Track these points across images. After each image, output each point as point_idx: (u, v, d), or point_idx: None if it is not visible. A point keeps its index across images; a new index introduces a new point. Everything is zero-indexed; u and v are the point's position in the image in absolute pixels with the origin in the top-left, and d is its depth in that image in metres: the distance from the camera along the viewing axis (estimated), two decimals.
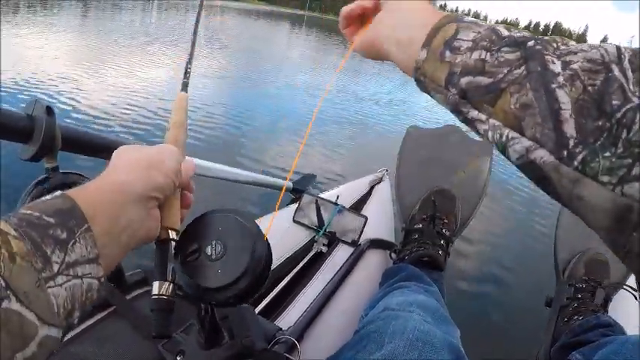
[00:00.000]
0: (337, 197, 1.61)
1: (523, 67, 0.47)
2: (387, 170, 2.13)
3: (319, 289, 1.26)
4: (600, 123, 0.41)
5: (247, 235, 0.61)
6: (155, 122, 4.00)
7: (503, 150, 0.48)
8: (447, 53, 0.53)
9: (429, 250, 1.45)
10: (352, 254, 1.48)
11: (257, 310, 1.17)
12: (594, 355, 1.14)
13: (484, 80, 0.49)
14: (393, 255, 1.59)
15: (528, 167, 0.46)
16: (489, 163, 1.76)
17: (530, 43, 0.48)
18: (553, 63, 0.45)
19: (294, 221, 1.59)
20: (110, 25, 7.71)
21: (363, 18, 0.71)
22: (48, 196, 0.46)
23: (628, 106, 0.40)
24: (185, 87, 0.79)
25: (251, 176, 2.04)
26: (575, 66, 0.44)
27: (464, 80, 0.51)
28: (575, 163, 0.41)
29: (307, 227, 1.57)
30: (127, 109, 4.24)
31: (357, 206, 1.87)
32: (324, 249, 1.51)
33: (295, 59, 10.29)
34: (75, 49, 5.71)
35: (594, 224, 0.41)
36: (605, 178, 0.39)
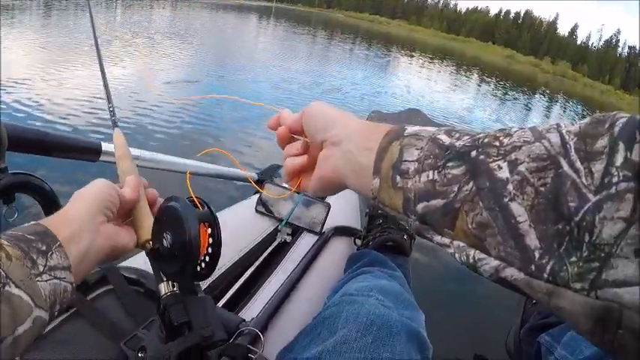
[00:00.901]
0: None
1: (471, 183, 0.46)
2: None
3: (283, 279, 1.24)
4: (560, 227, 0.40)
5: (180, 216, 0.68)
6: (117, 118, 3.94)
7: (475, 270, 0.47)
8: (398, 178, 0.53)
9: (393, 234, 1.45)
10: (316, 242, 1.47)
11: (220, 303, 1.15)
12: (563, 336, 1.15)
13: (438, 202, 0.48)
14: (358, 241, 1.58)
15: (503, 284, 0.45)
16: None
17: (473, 154, 0.47)
18: (500, 169, 0.44)
19: (257, 211, 1.56)
20: (72, 25, 7.56)
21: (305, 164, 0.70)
22: (25, 225, 0.59)
23: (585, 208, 0.38)
24: (115, 124, 0.99)
25: (215, 169, 2.01)
26: (522, 168, 0.43)
27: (420, 206, 0.50)
28: (545, 275, 0.40)
29: (270, 217, 1.55)
30: (87, 107, 4.16)
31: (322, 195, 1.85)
32: (288, 238, 1.49)
33: (262, 51, 10.22)
34: (36, 50, 5.59)
35: (578, 329, 0.40)
36: (578, 285, 0.38)
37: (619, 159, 0.38)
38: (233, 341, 0.90)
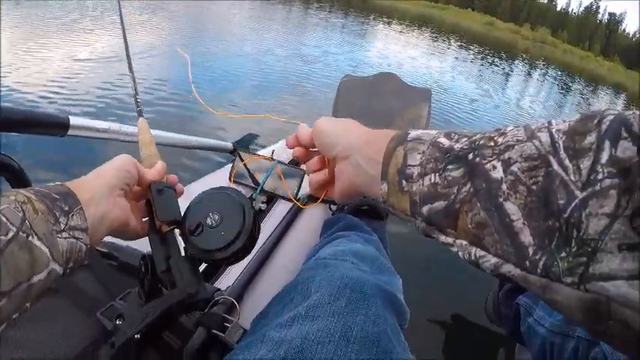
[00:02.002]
0: (272, 152, 1.58)
1: (469, 185, 0.48)
2: None
3: (258, 247, 1.22)
4: (550, 223, 0.41)
5: (237, 203, 0.73)
6: (99, 95, 3.88)
7: (477, 266, 0.49)
8: (404, 183, 0.55)
9: (368, 199, 1.44)
10: (291, 209, 1.46)
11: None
12: None
13: (440, 204, 0.51)
14: (333, 206, 1.58)
15: (503, 278, 0.46)
16: (428, 109, 1.74)
17: (470, 156, 0.49)
18: (494, 169, 0.47)
19: (232, 180, 1.54)
20: (45, 6, 7.42)
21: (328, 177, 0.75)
22: (51, 184, 0.62)
23: (573, 204, 0.40)
24: (140, 114, 1.11)
25: (188, 140, 1.99)
26: (514, 168, 0.45)
27: (425, 209, 0.53)
28: (539, 270, 0.42)
29: (245, 185, 1.54)
30: (70, 86, 4.09)
31: (297, 161, 1.84)
32: (263, 206, 1.48)
33: (242, 23, 10.12)
34: (10, 34, 5.48)
35: (572, 319, 0.42)
36: (569, 279, 0.40)
37: (604, 156, 0.39)
38: (208, 310, 0.90)
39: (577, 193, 0.40)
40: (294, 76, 6.00)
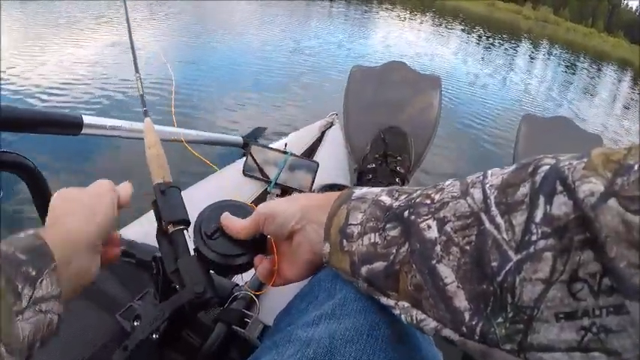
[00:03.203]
0: (285, 145, 1.57)
1: (407, 245, 0.47)
2: (336, 114, 2.10)
3: None
4: (485, 286, 0.40)
5: (246, 212, 0.71)
6: (107, 94, 3.88)
7: (421, 330, 0.47)
8: (344, 242, 0.55)
9: None
10: None
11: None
12: None
13: (380, 265, 0.50)
14: None
15: (447, 342, 0.45)
16: (439, 96, 1.74)
17: (406, 214, 0.49)
18: (429, 228, 0.46)
19: (245, 175, 1.54)
20: (51, 7, 7.40)
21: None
22: (21, 234, 0.52)
23: (507, 268, 0.38)
24: (146, 114, 1.07)
25: (199, 135, 1.99)
26: (448, 228, 0.44)
27: (364, 269, 0.52)
28: (476, 336, 0.41)
29: (258, 179, 1.53)
30: (80, 84, 4.08)
31: (309, 153, 1.83)
32: None
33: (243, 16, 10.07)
34: (18, 37, 5.47)
35: None
36: (508, 346, 0.39)
37: (539, 214, 0.38)
38: (228, 306, 0.90)
39: (511, 254, 0.38)
40: (300, 68, 5.95)
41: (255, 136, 2.75)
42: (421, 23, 15.82)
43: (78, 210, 0.61)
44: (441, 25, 17.27)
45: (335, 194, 0.61)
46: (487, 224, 0.41)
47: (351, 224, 0.55)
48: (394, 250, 0.48)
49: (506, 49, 14.57)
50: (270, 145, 1.62)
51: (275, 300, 0.98)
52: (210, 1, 10.60)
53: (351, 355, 0.53)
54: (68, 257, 0.54)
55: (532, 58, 14.48)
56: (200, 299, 0.66)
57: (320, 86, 5.24)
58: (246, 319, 0.87)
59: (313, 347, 0.55)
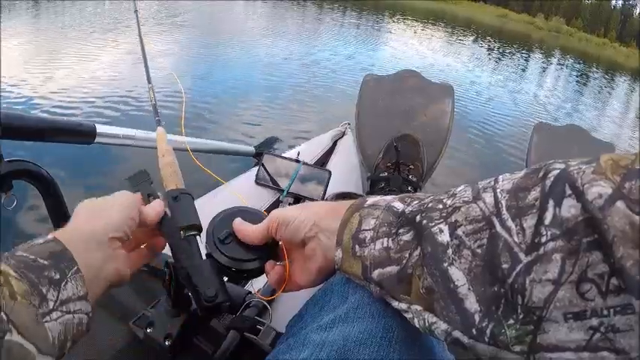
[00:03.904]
0: (298, 154, 1.57)
1: (419, 249, 0.48)
2: (348, 123, 2.10)
3: None
4: (496, 289, 0.40)
5: (258, 219, 0.71)
6: (119, 107, 3.90)
7: (431, 334, 0.48)
8: (357, 248, 0.55)
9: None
10: None
11: (225, 277, 1.14)
12: None
13: (393, 269, 0.50)
14: None
15: (457, 346, 0.45)
16: (451, 104, 1.73)
17: (418, 218, 0.49)
18: (441, 232, 0.46)
19: (257, 183, 1.54)
20: (64, 18, 7.49)
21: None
22: (40, 240, 0.53)
23: (517, 269, 0.39)
24: (159, 123, 1.10)
25: (212, 144, 2.00)
26: (459, 232, 0.44)
27: (375, 273, 0.53)
28: (486, 338, 0.41)
29: (270, 188, 1.53)
30: (94, 95, 4.12)
31: (322, 162, 1.83)
32: None
33: (252, 27, 10.12)
34: (32, 47, 5.53)
35: None
36: (517, 348, 0.39)
37: (548, 216, 0.38)
38: (240, 313, 0.89)
39: (521, 256, 0.39)
40: (311, 78, 5.98)
41: (267, 146, 2.75)
42: (431, 37, 15.81)
43: (88, 211, 0.63)
44: (452, 35, 17.28)
45: (347, 202, 0.62)
46: (498, 227, 0.41)
47: (363, 230, 0.55)
48: (407, 255, 0.49)
49: (518, 59, 14.54)
50: (283, 155, 1.63)
51: (287, 307, 0.98)
52: (220, 12, 10.66)
53: (364, 357, 0.53)
54: (83, 255, 0.55)
55: (544, 69, 14.44)
56: (212, 303, 0.65)
57: (333, 96, 5.25)
58: (258, 327, 0.86)
59: (327, 350, 0.55)
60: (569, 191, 0.38)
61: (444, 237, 0.45)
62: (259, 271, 0.71)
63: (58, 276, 0.50)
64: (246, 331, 0.84)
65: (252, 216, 0.73)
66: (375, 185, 1.52)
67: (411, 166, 1.52)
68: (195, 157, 1.49)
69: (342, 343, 0.54)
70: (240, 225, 0.70)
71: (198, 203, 0.79)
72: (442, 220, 0.47)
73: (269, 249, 0.71)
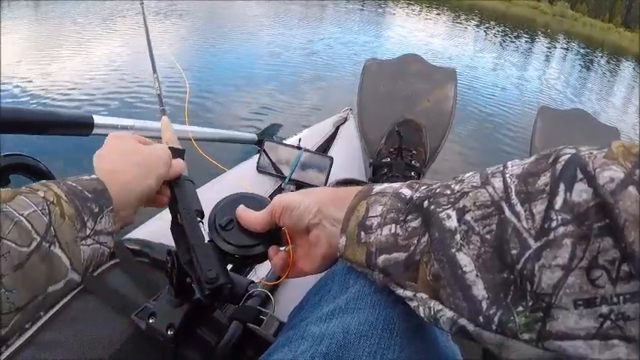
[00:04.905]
0: (299, 141, 1.56)
1: (427, 235, 0.47)
2: (350, 109, 2.09)
3: None
4: (505, 275, 0.40)
5: (262, 204, 0.71)
6: (124, 95, 3.90)
7: (436, 324, 0.47)
8: (362, 234, 0.55)
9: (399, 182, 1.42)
10: None
11: (229, 266, 1.13)
12: None
13: (400, 255, 0.50)
14: None
15: (463, 335, 0.45)
16: (454, 89, 1.72)
17: (425, 204, 0.49)
18: (448, 218, 0.45)
19: (259, 171, 1.53)
20: (64, 8, 7.49)
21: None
22: (86, 176, 0.61)
23: (526, 255, 0.38)
24: (164, 112, 1.16)
25: (214, 133, 1.99)
26: (468, 217, 0.44)
27: (380, 259, 0.52)
28: (494, 326, 0.40)
29: (273, 175, 1.52)
30: (99, 85, 4.12)
31: (324, 148, 1.82)
32: None
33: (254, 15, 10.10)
34: (33, 40, 5.53)
35: None
36: (526, 336, 0.38)
37: (559, 201, 0.38)
38: (243, 304, 0.89)
39: (530, 242, 0.38)
40: (313, 64, 5.97)
41: (270, 133, 2.74)
42: (434, 22, 15.75)
43: (135, 168, 0.68)
44: (456, 19, 17.21)
45: (353, 189, 0.61)
46: (507, 213, 0.41)
47: (370, 217, 0.54)
48: (415, 241, 0.48)
49: (522, 43, 14.48)
50: (284, 142, 1.62)
51: (290, 296, 0.97)
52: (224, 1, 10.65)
53: (365, 349, 0.52)
54: (121, 205, 0.63)
55: (548, 53, 14.38)
56: (213, 284, 0.64)
57: (335, 81, 5.24)
58: (261, 317, 0.86)
59: (326, 343, 0.54)
60: (580, 175, 0.37)
61: (452, 222, 0.45)
62: (263, 257, 0.70)
63: (97, 209, 0.58)
64: (249, 321, 0.84)
65: (255, 202, 0.72)
66: (377, 171, 1.51)
67: (414, 152, 1.51)
68: (197, 145, 1.49)
69: (342, 336, 0.53)
70: (242, 211, 0.69)
71: (201, 191, 0.79)
72: (450, 205, 0.46)
73: (272, 235, 0.70)
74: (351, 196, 0.59)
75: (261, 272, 1.09)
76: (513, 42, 14.13)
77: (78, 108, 3.38)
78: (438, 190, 0.49)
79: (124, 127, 1.39)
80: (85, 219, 0.56)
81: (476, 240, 0.42)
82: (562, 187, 0.38)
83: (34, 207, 0.50)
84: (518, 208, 0.40)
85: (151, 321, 0.76)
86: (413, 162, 1.47)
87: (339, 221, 0.59)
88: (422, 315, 0.48)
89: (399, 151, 1.48)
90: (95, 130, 1.26)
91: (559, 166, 0.39)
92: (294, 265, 0.70)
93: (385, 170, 1.47)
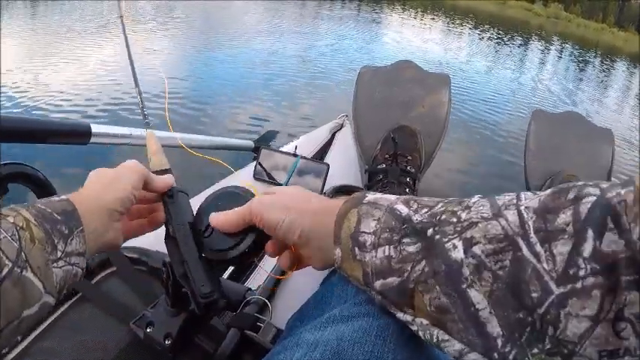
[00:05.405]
0: (296, 148, 1.57)
1: (424, 263, 0.46)
2: (346, 116, 2.09)
3: None
4: (522, 315, 0.39)
5: (243, 199, 0.69)
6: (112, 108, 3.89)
7: (438, 348, 0.46)
8: (357, 250, 0.54)
9: (395, 189, 1.42)
10: None
11: (225, 274, 1.14)
12: None
13: (394, 280, 0.49)
14: None
15: None
16: (449, 94, 1.72)
17: (430, 232, 0.47)
18: (454, 248, 0.44)
19: (256, 178, 1.54)
20: (61, 15, 7.49)
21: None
22: (56, 198, 0.62)
23: (549, 300, 0.37)
24: (147, 125, 1.17)
25: (211, 140, 1.99)
26: (477, 250, 0.42)
27: (377, 283, 0.51)
28: None
29: (269, 183, 1.53)
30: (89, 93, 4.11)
31: (320, 155, 1.83)
32: None
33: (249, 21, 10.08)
34: (29, 47, 5.52)
35: None
36: None
37: (587, 248, 0.36)
38: (240, 311, 0.89)
39: (552, 286, 0.37)
40: (308, 72, 5.97)
41: (266, 140, 2.74)
42: (430, 22, 15.74)
43: (103, 181, 0.68)
44: (450, 24, 17.21)
45: (337, 202, 0.60)
46: (525, 251, 0.40)
47: (363, 232, 0.53)
48: (409, 267, 0.47)
49: (517, 46, 14.49)
50: (281, 149, 1.62)
51: (288, 303, 0.98)
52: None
53: (358, 357, 0.52)
54: (93, 220, 0.63)
55: (543, 55, 14.39)
56: (207, 299, 0.65)
57: (331, 89, 5.24)
58: (259, 324, 0.86)
59: (320, 350, 0.54)
60: (611, 225, 0.36)
61: (459, 254, 0.43)
62: (245, 258, 0.68)
63: (67, 231, 0.58)
64: (246, 328, 0.84)
65: (233, 198, 0.71)
66: (373, 177, 1.51)
67: (409, 157, 1.51)
68: (196, 153, 1.50)
69: (335, 343, 0.54)
70: (212, 217, 0.68)
71: (198, 200, 0.78)
72: (456, 235, 0.45)
73: (256, 232, 0.67)
74: (334, 212, 0.59)
75: (259, 279, 1.10)
76: (507, 45, 14.15)
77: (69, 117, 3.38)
78: (443, 217, 0.47)
79: (122, 136, 1.39)
80: (56, 241, 0.56)
81: (488, 276, 0.41)
82: (590, 233, 0.37)
83: (4, 233, 0.51)
84: (538, 248, 0.39)
85: (148, 330, 0.77)
86: (408, 168, 1.48)
87: (328, 236, 0.58)
88: (422, 338, 0.48)
89: (394, 157, 1.48)
90: (93, 139, 1.27)
91: (583, 208, 0.38)
92: (299, 259, 0.69)
93: (381, 176, 1.47)
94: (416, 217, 0.49)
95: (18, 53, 5.20)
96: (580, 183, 0.41)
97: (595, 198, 0.38)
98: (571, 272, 0.37)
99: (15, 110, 3.38)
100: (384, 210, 0.53)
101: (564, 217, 0.39)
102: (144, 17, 7.87)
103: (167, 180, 0.77)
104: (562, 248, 0.38)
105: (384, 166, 1.49)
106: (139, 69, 1.56)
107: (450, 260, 0.44)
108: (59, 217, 0.58)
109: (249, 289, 0.96)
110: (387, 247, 0.50)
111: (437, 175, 3.12)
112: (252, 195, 0.72)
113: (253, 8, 11.40)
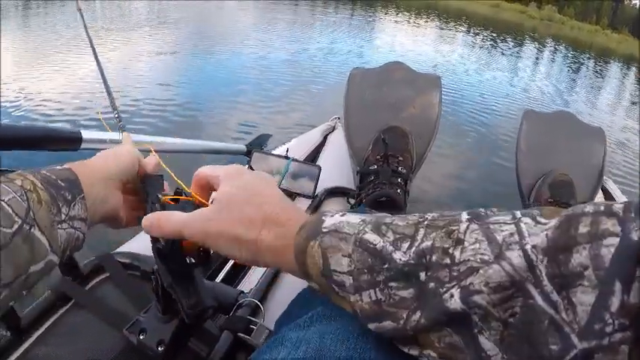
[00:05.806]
0: (287, 150, 1.57)
1: (419, 314, 0.43)
2: (338, 118, 2.10)
3: None
4: None
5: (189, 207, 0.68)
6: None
7: None
8: (337, 289, 0.50)
9: (386, 190, 1.42)
10: (310, 206, 1.45)
11: (218, 278, 1.14)
12: None
13: (389, 324, 0.45)
14: (351, 200, 1.55)
15: None
16: (439, 95, 1.73)
17: (422, 277, 0.42)
18: (451, 297, 0.40)
19: None
20: (53, 20, 7.49)
21: None
22: (59, 167, 0.65)
23: (571, 354, 0.35)
24: (123, 128, 1.23)
25: (203, 145, 1.99)
26: (481, 301, 0.39)
27: (372, 326, 0.48)
28: None
29: None
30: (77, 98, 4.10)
31: (312, 157, 1.84)
32: None
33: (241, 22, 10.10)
34: (19, 53, 5.52)
35: None
36: None
37: (615, 303, 0.34)
38: (233, 314, 0.90)
39: (574, 340, 0.35)
40: (299, 74, 5.97)
41: (259, 143, 2.74)
42: (423, 28, 15.78)
43: (103, 155, 0.73)
44: (444, 27, 17.25)
45: (292, 226, 0.55)
46: (538, 300, 0.36)
47: (336, 271, 0.49)
48: (404, 315, 0.44)
49: (510, 48, 14.53)
50: (273, 152, 1.62)
51: (280, 305, 0.98)
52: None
53: (341, 354, 0.51)
54: (89, 189, 0.65)
55: (536, 57, 14.43)
56: (194, 310, 0.65)
57: (324, 91, 5.25)
58: (251, 326, 0.86)
59: (303, 348, 0.53)
60: (638, 273, 0.33)
61: (456, 303, 0.40)
62: (206, 256, 0.66)
63: (70, 197, 0.61)
64: (239, 331, 0.85)
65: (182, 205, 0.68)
66: (364, 178, 1.51)
67: (400, 158, 1.51)
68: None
69: (318, 341, 0.53)
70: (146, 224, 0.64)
71: None
72: (454, 282, 0.41)
73: None
74: (292, 225, 0.55)
75: (252, 281, 1.10)
76: (501, 47, 14.17)
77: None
78: (434, 259, 0.42)
79: (112, 141, 1.39)
80: (60, 205, 0.59)
81: (497, 325, 0.38)
82: (619, 286, 0.34)
83: (14, 193, 0.53)
84: (555, 297, 0.36)
85: (141, 337, 0.76)
86: (400, 168, 1.48)
87: (295, 270, 0.55)
88: None
89: (385, 158, 1.48)
90: (83, 145, 1.27)
91: (606, 253, 0.35)
92: None
93: (372, 177, 1.47)
94: (398, 256, 0.45)
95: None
96: (589, 209, 0.38)
97: (618, 240, 0.34)
98: (597, 327, 0.34)
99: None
100: (352, 242, 0.49)
101: (580, 257, 0.36)
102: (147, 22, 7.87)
103: (154, 160, 0.81)
104: (583, 297, 0.35)
105: (376, 167, 1.50)
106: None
107: (449, 311, 0.41)
108: (63, 184, 0.61)
109: (242, 291, 0.96)
110: (371, 290, 0.46)
111: (427, 178, 3.12)
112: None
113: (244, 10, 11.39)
